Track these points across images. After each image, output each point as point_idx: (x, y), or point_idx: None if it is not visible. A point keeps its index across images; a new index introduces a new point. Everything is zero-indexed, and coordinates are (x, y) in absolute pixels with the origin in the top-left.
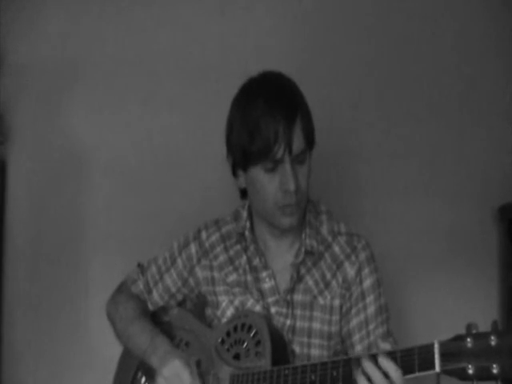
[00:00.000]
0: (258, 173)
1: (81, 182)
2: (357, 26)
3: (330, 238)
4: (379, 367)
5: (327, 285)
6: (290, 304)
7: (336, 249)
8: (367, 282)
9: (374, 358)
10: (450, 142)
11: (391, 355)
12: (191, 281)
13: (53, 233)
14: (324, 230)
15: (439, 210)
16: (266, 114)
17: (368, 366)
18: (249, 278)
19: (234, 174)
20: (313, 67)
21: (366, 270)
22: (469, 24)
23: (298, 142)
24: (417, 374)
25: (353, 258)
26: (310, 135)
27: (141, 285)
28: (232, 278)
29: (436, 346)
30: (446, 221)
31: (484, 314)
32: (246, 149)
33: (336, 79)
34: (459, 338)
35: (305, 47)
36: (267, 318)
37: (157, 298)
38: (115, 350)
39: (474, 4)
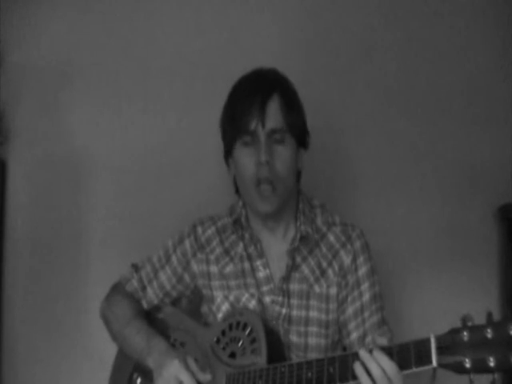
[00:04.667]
0: (238, 150)
1: (80, 181)
2: (357, 27)
3: (324, 229)
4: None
5: (323, 273)
6: (285, 293)
7: (331, 238)
8: (362, 270)
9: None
10: (450, 141)
11: (387, 350)
12: (186, 276)
13: (53, 232)
14: (319, 221)
15: (439, 209)
16: (245, 93)
17: (365, 356)
18: (246, 265)
19: (227, 163)
20: (313, 66)
21: (361, 258)
22: (469, 23)
23: (273, 119)
24: (414, 370)
25: (348, 246)
26: (290, 117)
27: (135, 283)
28: (229, 268)
29: (432, 340)
30: (446, 220)
31: (484, 313)
32: (226, 127)
33: (335, 78)
34: (455, 332)
35: (304, 47)
36: (262, 315)
37: (151, 296)
38: (115, 350)
39: (476, 4)
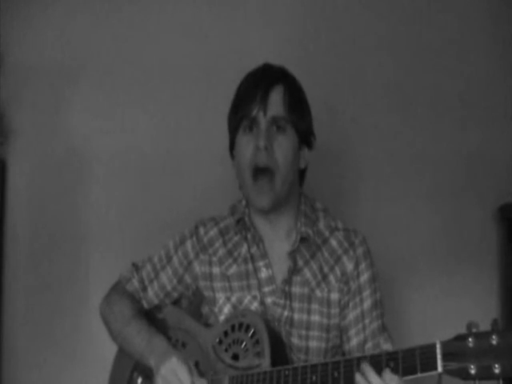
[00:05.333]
0: (239, 138)
1: (81, 181)
2: (358, 26)
3: (327, 233)
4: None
5: (324, 277)
6: (287, 295)
7: (334, 243)
8: (364, 277)
9: (375, 362)
10: (450, 141)
11: (393, 355)
12: (187, 277)
13: (53, 232)
14: (321, 224)
15: (439, 209)
16: (250, 83)
17: (367, 370)
18: (249, 267)
19: (232, 155)
20: (314, 67)
21: (363, 265)
22: (469, 22)
23: (275, 107)
24: (419, 375)
25: (351, 252)
26: (293, 109)
27: (135, 283)
28: (232, 270)
29: (438, 346)
30: (445, 221)
31: (484, 313)
32: (231, 117)
33: (335, 79)
34: (461, 338)
35: (305, 47)
36: (265, 317)
37: (152, 296)
38: (115, 349)
39: (475, 3)
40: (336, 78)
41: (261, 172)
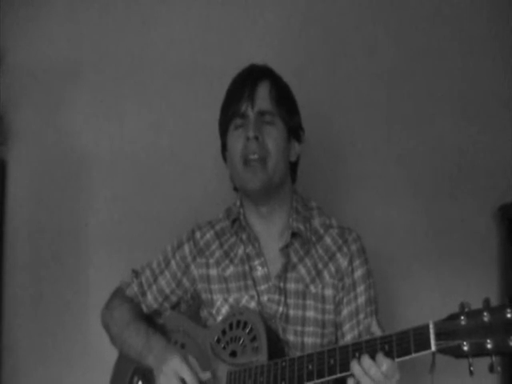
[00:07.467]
0: (230, 136)
1: (81, 181)
2: (356, 26)
3: (321, 231)
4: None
5: (319, 274)
6: (282, 291)
7: (328, 240)
8: (358, 273)
9: (370, 347)
10: (450, 141)
11: (387, 339)
12: (185, 281)
13: (53, 232)
14: (316, 222)
15: (439, 209)
16: (237, 83)
17: (365, 361)
18: (246, 267)
19: (224, 157)
20: (310, 66)
21: (357, 261)
22: (469, 22)
23: (262, 101)
24: (413, 355)
25: (344, 249)
26: (280, 103)
27: (135, 287)
28: (229, 271)
29: (431, 326)
30: (445, 220)
31: None
32: (221, 118)
33: (329, 78)
34: (453, 317)
35: (304, 45)
36: (262, 314)
37: (151, 301)
38: (115, 351)
39: (475, 4)
40: (329, 76)
41: (252, 158)
